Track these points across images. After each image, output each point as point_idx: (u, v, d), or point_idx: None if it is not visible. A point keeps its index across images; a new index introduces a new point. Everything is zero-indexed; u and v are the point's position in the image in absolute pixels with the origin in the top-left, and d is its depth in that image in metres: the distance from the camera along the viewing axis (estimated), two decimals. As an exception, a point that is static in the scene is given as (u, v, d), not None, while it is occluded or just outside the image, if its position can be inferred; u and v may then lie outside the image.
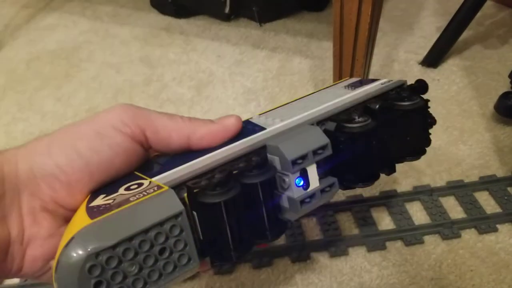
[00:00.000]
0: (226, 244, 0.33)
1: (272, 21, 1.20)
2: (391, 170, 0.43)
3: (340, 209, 0.69)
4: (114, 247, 0.26)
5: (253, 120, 0.40)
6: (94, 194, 0.33)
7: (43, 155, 0.32)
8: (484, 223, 0.66)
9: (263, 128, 0.37)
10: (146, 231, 0.27)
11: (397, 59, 1.02)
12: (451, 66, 0.99)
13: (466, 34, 1.05)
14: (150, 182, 0.32)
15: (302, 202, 0.34)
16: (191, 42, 1.13)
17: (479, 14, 0.96)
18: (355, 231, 0.66)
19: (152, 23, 1.22)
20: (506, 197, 0.69)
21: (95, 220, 0.27)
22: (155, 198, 0.29)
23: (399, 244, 0.65)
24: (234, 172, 0.32)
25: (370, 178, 0.41)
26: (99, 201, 0.31)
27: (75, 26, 1.24)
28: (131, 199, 0.29)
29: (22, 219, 0.31)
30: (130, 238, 0.27)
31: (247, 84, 0.99)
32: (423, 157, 0.42)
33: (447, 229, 0.65)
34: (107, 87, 1.01)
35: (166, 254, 0.28)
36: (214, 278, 0.62)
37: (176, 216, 0.28)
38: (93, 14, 1.29)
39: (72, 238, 0.26)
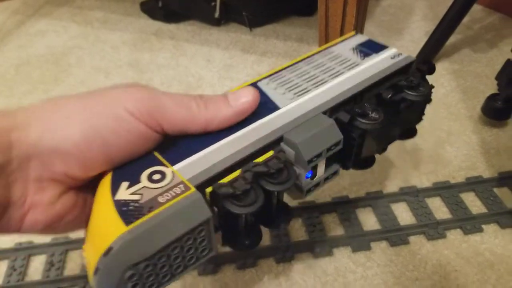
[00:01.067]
0: (240, 234, 0.36)
1: (262, 26, 1.20)
2: (384, 150, 0.45)
3: (326, 210, 0.69)
4: (151, 257, 0.29)
5: (263, 88, 0.41)
6: (115, 176, 0.33)
7: (59, 126, 0.31)
8: (469, 224, 0.66)
9: (277, 108, 0.38)
10: (179, 238, 0.30)
11: (385, 63, 1.02)
12: (440, 69, 0.99)
13: (455, 38, 1.06)
14: (173, 173, 0.33)
15: (308, 190, 0.39)
16: (181, 47, 1.13)
17: (468, 18, 0.96)
18: (340, 231, 0.66)
19: (142, 28, 1.22)
20: (492, 198, 0.69)
21: (131, 227, 0.28)
22: (185, 203, 0.30)
23: (384, 244, 0.64)
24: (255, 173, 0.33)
25: (370, 163, 0.44)
26: (125, 193, 0.32)
27: (65, 32, 1.24)
28: (160, 200, 0.30)
29: (27, 186, 0.31)
30: (166, 246, 0.29)
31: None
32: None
33: (432, 229, 0.65)
34: (95, 91, 1.01)
35: (192, 251, 0.31)
36: (197, 279, 0.61)
37: (205, 222, 0.30)
38: (83, 20, 1.29)
39: (111, 248, 0.28)
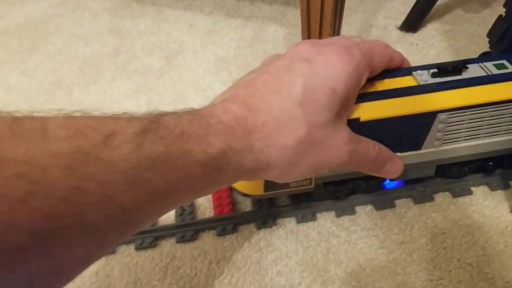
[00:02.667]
0: None
1: (247, -10, 1.16)
2: None
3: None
4: None
5: None
6: None
7: None
8: (458, 187, 0.63)
9: None
10: None
11: (375, 24, 0.99)
12: (431, 30, 0.96)
13: (446, -2, 1.02)
14: None
15: None
16: (163, 12, 1.09)
17: (459, -24, 0.93)
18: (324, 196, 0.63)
19: (123, -5, 1.18)
20: (482, 159, 0.66)
21: None
22: None
23: (369, 208, 0.62)
24: None
25: None
26: None
27: (44, 0, 1.20)
28: None
29: None
30: None
31: (219, 53, 0.95)
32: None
33: (419, 193, 0.63)
34: (73, 59, 0.97)
35: None
36: (176, 246, 0.59)
37: None
38: (64, -13, 1.24)
39: None
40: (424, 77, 0.53)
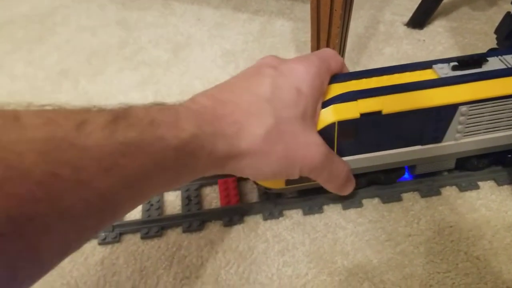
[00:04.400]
0: None
1: (254, -16, 1.16)
2: None
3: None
4: None
5: None
6: None
7: None
8: (465, 181, 0.63)
9: None
10: None
11: (382, 20, 0.99)
12: (437, 27, 0.95)
13: (453, -4, 1.02)
14: None
15: None
16: (170, 5, 1.09)
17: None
18: (331, 188, 0.63)
19: (131, -13, 1.18)
20: (489, 154, 0.66)
21: None
22: None
23: (376, 201, 0.62)
24: None
25: None
26: None
27: (52, -9, 1.20)
28: None
29: None
30: None
31: (226, 46, 0.95)
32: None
33: (426, 186, 0.63)
34: (80, 50, 0.97)
35: None
36: (182, 236, 0.59)
37: None
38: (71, -21, 1.24)
39: None
40: (445, 70, 0.54)
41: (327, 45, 0.76)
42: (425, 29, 0.95)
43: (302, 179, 0.50)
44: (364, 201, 0.62)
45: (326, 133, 0.52)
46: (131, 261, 0.57)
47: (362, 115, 0.51)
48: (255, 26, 1.01)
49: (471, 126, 0.55)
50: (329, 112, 0.52)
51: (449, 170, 0.64)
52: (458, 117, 0.53)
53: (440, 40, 0.91)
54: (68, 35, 1.02)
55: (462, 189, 0.62)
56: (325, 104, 0.52)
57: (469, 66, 0.54)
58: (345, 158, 0.55)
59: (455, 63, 0.54)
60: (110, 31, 1.02)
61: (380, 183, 0.62)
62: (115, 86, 0.87)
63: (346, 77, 0.55)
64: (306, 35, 0.95)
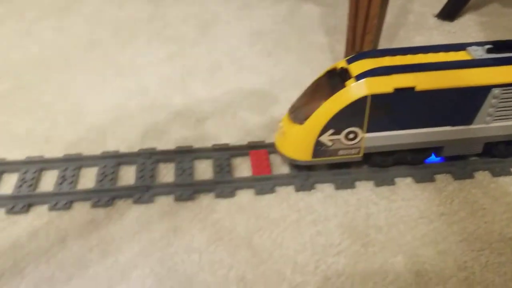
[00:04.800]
0: None
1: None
2: None
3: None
4: None
5: None
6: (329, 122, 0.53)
7: None
8: (498, 167, 0.63)
9: None
10: None
11: (412, 11, 0.99)
12: (468, 21, 0.95)
13: (484, -8, 1.02)
14: (361, 138, 0.55)
15: None
16: (199, -16, 1.09)
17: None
18: (363, 166, 0.63)
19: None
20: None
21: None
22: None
23: (408, 180, 0.61)
24: None
25: None
26: (326, 138, 0.54)
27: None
28: (339, 152, 0.57)
29: None
30: None
31: (253, 26, 0.95)
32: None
33: (460, 169, 0.62)
34: (108, 22, 0.97)
35: None
36: (214, 201, 0.59)
37: None
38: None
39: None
40: (479, 52, 0.53)
41: (364, 32, 0.75)
42: (455, 22, 0.95)
43: (331, 153, 0.51)
44: (397, 179, 0.61)
45: (356, 107, 0.51)
46: (165, 220, 0.56)
47: (395, 90, 0.51)
48: (283, 8, 1.01)
49: (502, 110, 0.54)
50: (362, 85, 0.52)
51: (480, 155, 0.64)
52: (490, 100, 0.53)
53: (470, 33, 0.91)
54: (95, 6, 1.02)
55: (495, 174, 0.62)
56: (358, 78, 0.52)
57: (504, 49, 0.53)
58: (374, 134, 0.54)
59: (490, 46, 0.53)
60: (137, 5, 1.02)
61: (406, 163, 0.62)
62: (143, 58, 0.86)
63: (379, 53, 0.55)
64: (335, 20, 0.95)
